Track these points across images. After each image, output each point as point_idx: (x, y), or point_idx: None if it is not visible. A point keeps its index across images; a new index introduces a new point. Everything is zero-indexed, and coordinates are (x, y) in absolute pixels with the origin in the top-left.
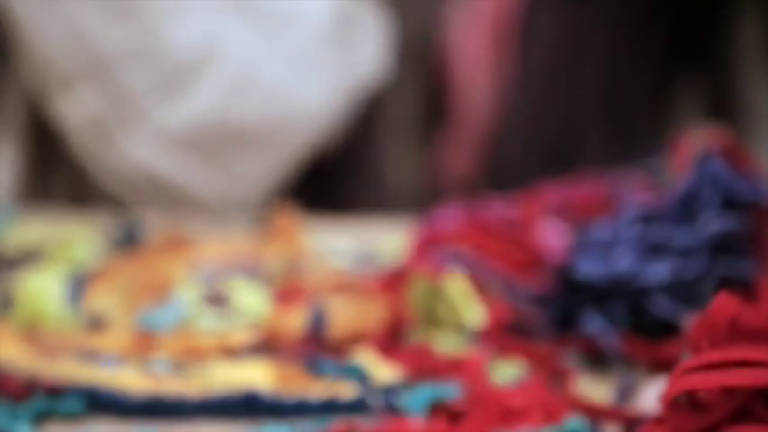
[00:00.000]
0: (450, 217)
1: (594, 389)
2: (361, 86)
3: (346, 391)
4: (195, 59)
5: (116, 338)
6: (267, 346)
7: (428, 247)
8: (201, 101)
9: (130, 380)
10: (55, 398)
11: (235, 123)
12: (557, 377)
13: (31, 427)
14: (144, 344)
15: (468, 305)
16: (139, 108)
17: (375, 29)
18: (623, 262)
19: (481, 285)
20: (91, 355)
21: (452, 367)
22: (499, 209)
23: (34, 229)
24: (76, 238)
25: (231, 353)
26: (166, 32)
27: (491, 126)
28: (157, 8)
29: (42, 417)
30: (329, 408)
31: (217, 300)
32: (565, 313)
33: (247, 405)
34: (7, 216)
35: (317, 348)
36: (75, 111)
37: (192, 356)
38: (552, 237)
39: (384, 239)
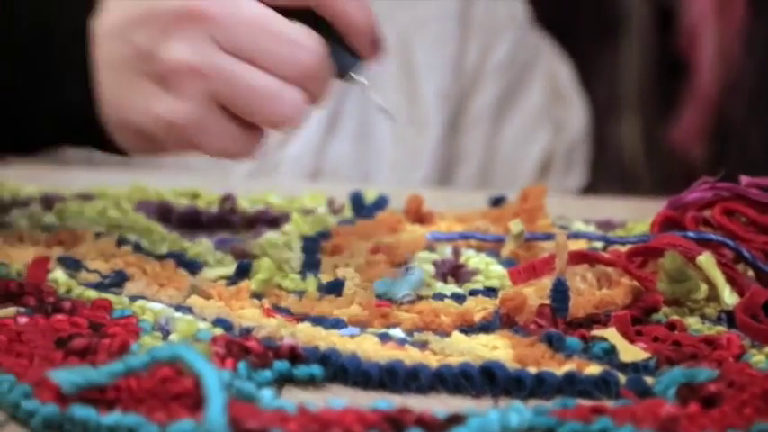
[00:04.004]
0: (699, 195)
1: None
2: None
3: (590, 369)
4: None
5: (354, 306)
6: (506, 319)
7: (676, 225)
8: None
9: (369, 347)
10: (296, 363)
11: None
12: None
13: (274, 391)
14: (382, 313)
15: (723, 284)
16: None
17: None
18: None
19: (734, 265)
20: (330, 322)
21: (706, 348)
22: (754, 189)
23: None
24: (318, 204)
25: (469, 325)
26: None
27: (719, 97)
28: None
29: (284, 381)
30: (571, 385)
31: (455, 272)
32: None
33: (486, 378)
34: None
35: (559, 324)
36: None
37: (430, 327)
38: None
39: (627, 215)
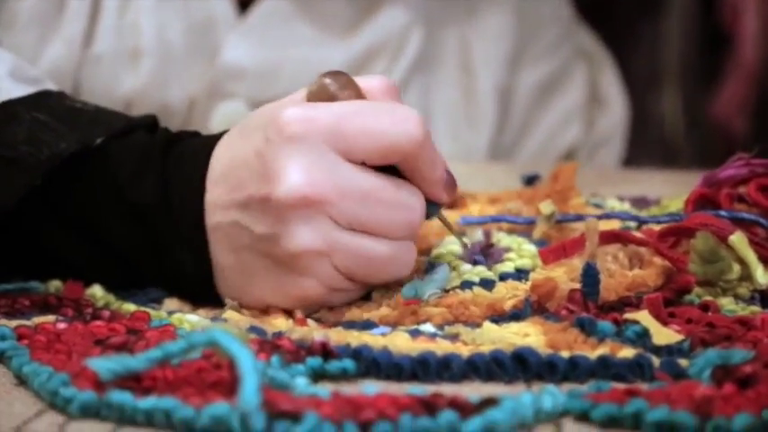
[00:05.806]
0: (734, 172)
1: None
2: None
3: (623, 353)
4: None
5: (384, 308)
6: (537, 306)
7: (711, 203)
8: None
9: (401, 343)
10: (328, 359)
11: None
12: None
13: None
14: (411, 311)
15: (756, 263)
16: None
17: None
18: None
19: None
20: (361, 325)
21: (740, 329)
22: None
23: None
24: None
25: (500, 315)
26: None
27: (761, 70)
28: None
29: (317, 377)
30: (605, 369)
31: (486, 251)
32: None
33: (518, 364)
34: None
35: (591, 308)
36: None
37: (460, 320)
38: None
39: (661, 193)
